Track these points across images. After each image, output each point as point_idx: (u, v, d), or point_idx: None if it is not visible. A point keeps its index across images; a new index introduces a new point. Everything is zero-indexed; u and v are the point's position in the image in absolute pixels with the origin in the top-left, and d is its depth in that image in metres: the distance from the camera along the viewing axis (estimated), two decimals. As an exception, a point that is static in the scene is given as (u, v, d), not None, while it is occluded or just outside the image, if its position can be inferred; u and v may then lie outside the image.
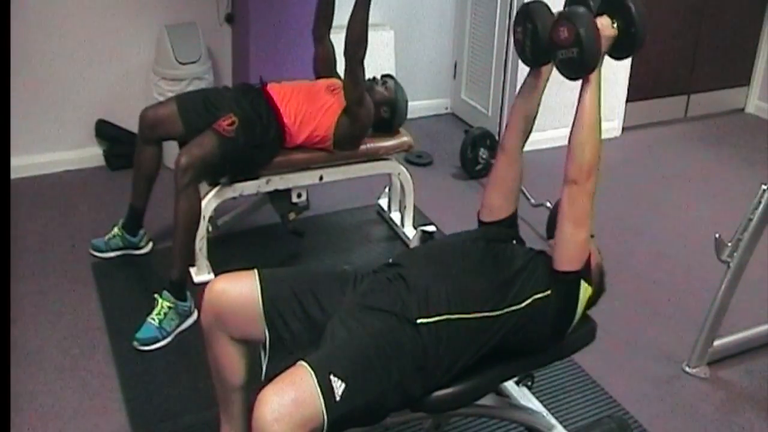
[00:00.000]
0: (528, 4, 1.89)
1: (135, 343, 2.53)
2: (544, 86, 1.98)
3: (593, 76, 1.73)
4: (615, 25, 1.75)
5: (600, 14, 1.77)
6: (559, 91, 4.74)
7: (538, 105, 1.99)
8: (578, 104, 1.74)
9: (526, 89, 1.98)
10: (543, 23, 1.82)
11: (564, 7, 1.92)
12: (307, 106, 2.84)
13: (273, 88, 2.87)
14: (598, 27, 1.70)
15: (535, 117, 2.00)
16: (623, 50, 1.80)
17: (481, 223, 2.03)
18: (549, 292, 1.76)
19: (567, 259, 1.76)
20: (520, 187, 2.05)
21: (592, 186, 1.74)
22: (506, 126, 2.03)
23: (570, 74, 1.75)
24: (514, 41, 1.93)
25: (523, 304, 1.75)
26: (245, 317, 1.75)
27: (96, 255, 3.01)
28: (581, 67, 1.71)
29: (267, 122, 2.77)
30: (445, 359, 1.68)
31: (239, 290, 1.76)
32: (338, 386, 1.50)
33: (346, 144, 2.92)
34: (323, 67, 3.09)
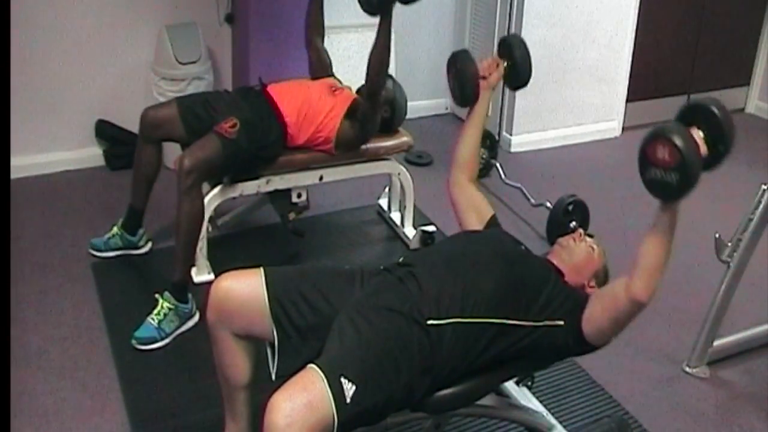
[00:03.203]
0: (453, 53, 2.18)
1: (133, 342, 2.54)
2: (483, 121, 2.15)
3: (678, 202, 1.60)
4: (703, 137, 1.59)
5: (689, 124, 1.61)
6: (558, 92, 4.73)
7: (477, 140, 2.15)
8: (657, 225, 1.63)
9: (465, 125, 2.16)
10: (464, 65, 2.12)
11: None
12: (309, 106, 2.84)
13: (273, 89, 2.88)
14: (700, 151, 1.54)
15: (476, 150, 2.16)
16: (709, 165, 1.62)
17: None
18: (562, 324, 1.76)
19: (596, 341, 1.77)
20: (484, 197, 2.15)
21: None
22: (451, 160, 2.17)
23: (659, 197, 1.59)
24: (449, 86, 2.17)
25: (534, 324, 1.75)
26: (251, 315, 1.75)
27: (95, 254, 3.01)
28: (678, 195, 1.55)
29: (268, 123, 2.78)
30: (451, 361, 1.68)
31: (245, 288, 1.76)
32: (349, 388, 1.50)
33: (347, 147, 2.92)
34: (319, 70, 3.10)
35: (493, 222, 2.08)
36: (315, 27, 3.11)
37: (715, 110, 1.60)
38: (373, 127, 2.93)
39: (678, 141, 1.50)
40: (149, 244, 3.10)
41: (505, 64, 2.16)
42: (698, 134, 1.58)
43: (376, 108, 2.87)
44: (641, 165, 1.60)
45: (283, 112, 2.80)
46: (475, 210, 2.11)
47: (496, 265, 1.81)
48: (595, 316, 1.73)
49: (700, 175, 1.53)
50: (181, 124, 2.81)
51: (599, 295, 1.78)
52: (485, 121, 2.14)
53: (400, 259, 1.90)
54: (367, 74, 2.76)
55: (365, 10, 2.67)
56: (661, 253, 1.65)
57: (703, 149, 1.57)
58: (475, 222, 2.08)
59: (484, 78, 2.14)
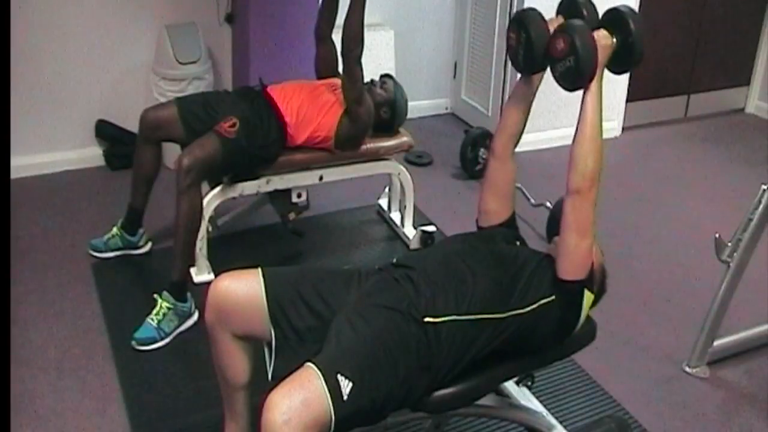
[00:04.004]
0: (523, 11, 1.91)
1: (133, 343, 2.54)
2: (535, 93, 2.02)
3: (594, 86, 1.75)
4: (614, 39, 1.78)
5: (598, 28, 1.80)
6: (558, 92, 4.72)
7: (529, 111, 2.03)
8: (580, 114, 1.76)
9: (517, 95, 2.02)
10: (537, 32, 1.84)
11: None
12: (308, 106, 2.84)
13: (273, 90, 2.88)
14: (594, 37, 1.74)
15: (525, 122, 2.03)
16: (622, 63, 1.82)
17: (480, 229, 2.05)
18: (553, 297, 1.78)
19: (572, 269, 1.77)
20: (515, 189, 2.08)
21: (594, 195, 1.75)
22: (496, 130, 2.07)
23: (569, 85, 1.78)
24: (507, 47, 1.96)
25: (529, 309, 1.76)
26: (249, 315, 1.75)
27: (95, 255, 3.01)
28: (578, 75, 1.73)
29: (268, 123, 2.78)
30: (450, 358, 1.68)
31: (243, 288, 1.76)
32: (345, 386, 1.50)
33: (347, 144, 2.92)
34: (325, 66, 3.09)
35: (507, 223, 2.04)
36: (328, 19, 3.04)
37: (623, 11, 1.80)
38: (367, 113, 2.88)
39: (567, 29, 1.73)
40: (149, 244, 3.10)
41: (614, 38, 1.90)
42: (602, 31, 1.78)
43: (357, 71, 2.78)
44: (550, 66, 1.79)
45: (283, 112, 2.80)
46: (496, 202, 2.03)
47: (488, 264, 1.81)
48: (558, 244, 1.79)
49: (593, 54, 1.72)
50: (181, 124, 2.81)
51: None
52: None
53: (395, 260, 1.90)
54: (343, 43, 2.74)
55: None
56: (587, 139, 1.74)
57: (607, 40, 1.77)
58: (491, 212, 2.03)
59: None
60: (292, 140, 2.84)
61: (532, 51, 1.86)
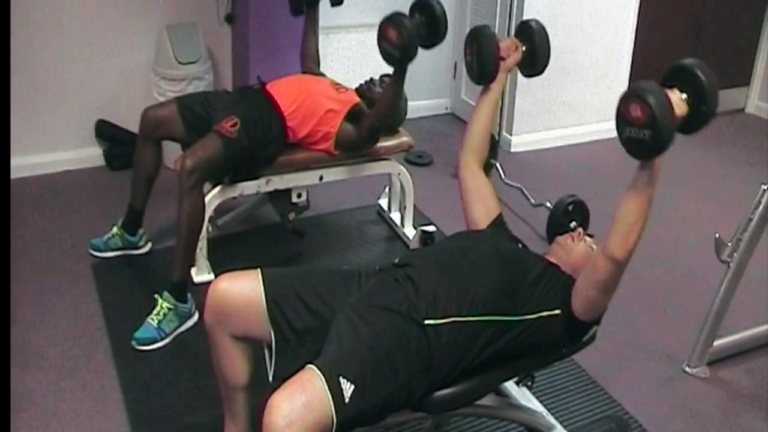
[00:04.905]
0: (476, 27, 2.11)
1: (133, 343, 2.54)
2: (497, 103, 2.12)
3: (658, 159, 1.60)
4: (684, 98, 1.61)
5: (670, 86, 1.63)
6: (557, 93, 4.73)
7: (490, 122, 2.13)
8: (635, 182, 1.63)
9: (478, 106, 2.13)
10: (485, 43, 2.05)
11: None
12: (310, 97, 2.84)
13: (272, 87, 2.88)
14: (673, 108, 1.54)
15: (487, 133, 2.12)
16: (688, 128, 1.65)
17: None
18: (558, 312, 1.77)
19: (588, 315, 1.78)
20: (494, 191, 2.11)
21: (627, 263, 1.69)
22: (462, 143, 2.13)
23: (636, 155, 1.60)
24: (465, 62, 2.12)
25: (531, 317, 1.75)
26: (248, 316, 1.75)
27: (95, 255, 3.01)
28: (652, 151, 1.56)
29: (268, 121, 2.78)
30: (450, 360, 1.68)
31: (242, 289, 1.76)
32: (347, 388, 1.50)
33: (347, 148, 2.92)
34: None
35: (498, 221, 2.06)
36: (311, 56, 3.18)
37: (698, 71, 1.61)
38: (372, 144, 2.97)
39: (648, 98, 1.52)
40: (149, 245, 3.10)
41: (524, 48, 2.11)
42: (676, 94, 1.61)
43: (373, 138, 2.93)
44: (617, 124, 1.61)
45: (282, 106, 2.80)
46: (483, 203, 2.07)
47: (491, 264, 1.81)
48: (579, 286, 1.76)
49: (673, 132, 1.54)
50: (181, 123, 2.81)
51: (584, 267, 1.80)
52: (498, 103, 2.11)
53: (396, 260, 1.90)
54: (375, 110, 2.83)
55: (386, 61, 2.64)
56: (638, 210, 1.63)
57: (682, 109, 1.60)
58: (482, 217, 2.05)
59: (502, 59, 2.10)
60: (294, 134, 2.84)
61: (482, 60, 2.06)
